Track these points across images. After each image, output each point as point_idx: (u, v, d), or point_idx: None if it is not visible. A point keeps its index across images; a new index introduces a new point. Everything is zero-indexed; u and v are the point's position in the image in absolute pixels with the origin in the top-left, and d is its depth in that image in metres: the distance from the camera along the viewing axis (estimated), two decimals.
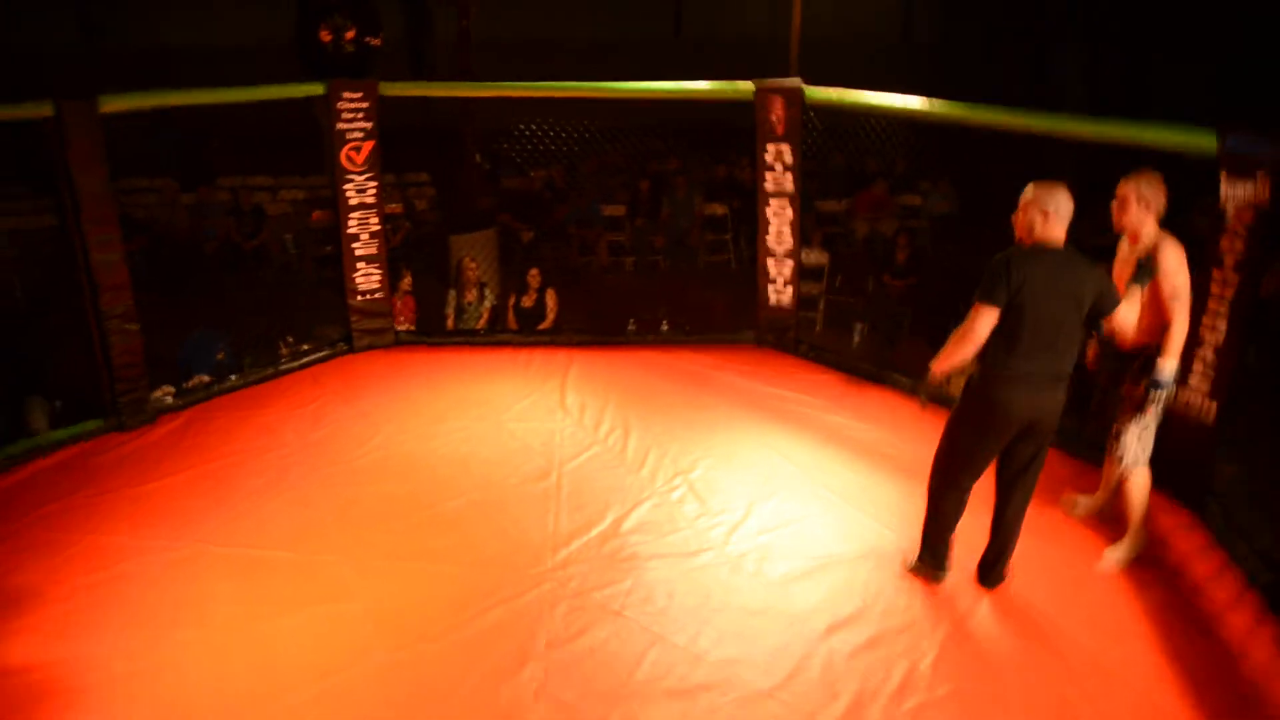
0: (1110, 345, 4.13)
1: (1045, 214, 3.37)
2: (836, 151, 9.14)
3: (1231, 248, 4.19)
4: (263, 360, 5.98)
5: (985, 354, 3.43)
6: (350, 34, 5.92)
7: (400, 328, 6.58)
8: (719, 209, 10.03)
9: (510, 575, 3.84)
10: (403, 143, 7.01)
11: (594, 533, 4.16)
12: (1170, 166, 4.00)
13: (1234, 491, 4.46)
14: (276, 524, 4.20)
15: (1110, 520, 4.32)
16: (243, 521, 4.22)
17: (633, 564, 3.94)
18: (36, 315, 5.29)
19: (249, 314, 6.57)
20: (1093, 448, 4.68)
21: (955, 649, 3.47)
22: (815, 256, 8.08)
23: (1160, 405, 3.88)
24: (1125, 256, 3.95)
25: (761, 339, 6.44)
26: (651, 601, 3.69)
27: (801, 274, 6.43)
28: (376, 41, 6.05)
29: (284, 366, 5.94)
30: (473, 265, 7.22)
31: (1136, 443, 3.92)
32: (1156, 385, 3.75)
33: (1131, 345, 3.94)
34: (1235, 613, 3.73)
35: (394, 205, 8.62)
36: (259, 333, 6.34)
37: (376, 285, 6.24)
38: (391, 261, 6.42)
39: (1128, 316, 3.54)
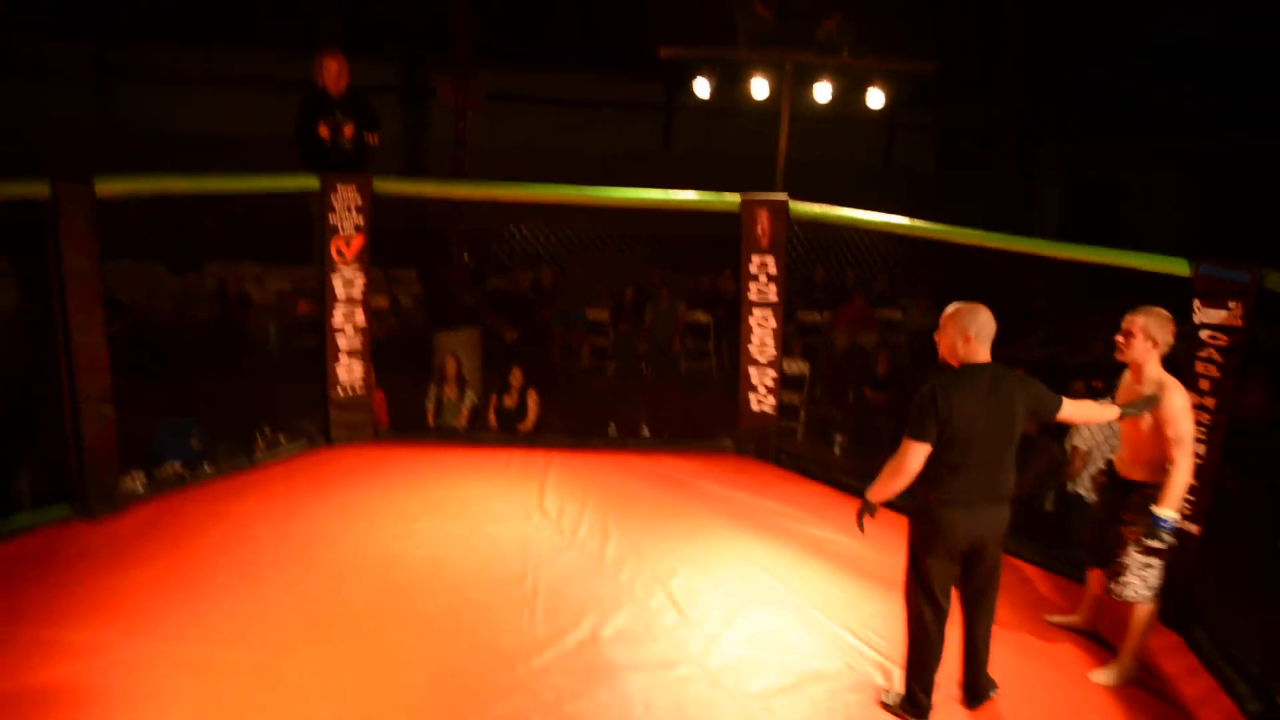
0: (1108, 474, 4.13)
1: (967, 337, 3.42)
2: (818, 265, 9.34)
3: (1206, 371, 4.27)
4: (237, 450, 5.87)
5: (924, 479, 3.44)
6: (349, 130, 6.04)
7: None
8: (702, 317, 10.16)
9: (482, 684, 3.70)
10: (393, 239, 7.08)
11: (569, 641, 4.03)
12: (1147, 291, 4.11)
13: (1219, 615, 4.42)
14: (241, 623, 4.04)
15: (1094, 638, 4.26)
16: (206, 619, 4.05)
17: (609, 675, 3.81)
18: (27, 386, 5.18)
19: (227, 402, 6.49)
20: (1074, 566, 4.65)
21: None
22: (796, 366, 8.15)
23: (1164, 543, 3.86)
24: (1128, 387, 3.98)
25: (742, 447, 6.42)
26: (628, 716, 3.56)
27: (782, 383, 6.46)
28: (374, 139, 6.18)
29: (259, 458, 5.84)
30: (454, 362, 7.21)
31: (1140, 580, 3.87)
32: (1156, 529, 3.71)
33: (1131, 477, 3.94)
34: None
35: (380, 299, 8.66)
36: (235, 422, 6.24)
37: (359, 380, 6.21)
38: (374, 356, 6.39)
39: (1072, 411, 3.61)
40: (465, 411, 7.08)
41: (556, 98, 15.90)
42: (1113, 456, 4.15)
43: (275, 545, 4.77)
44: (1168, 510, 3.69)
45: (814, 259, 6.68)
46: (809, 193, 6.18)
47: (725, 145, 15.16)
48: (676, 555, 4.87)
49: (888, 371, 8.05)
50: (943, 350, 3.52)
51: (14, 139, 11.30)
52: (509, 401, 7.00)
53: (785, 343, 6.53)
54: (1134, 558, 3.84)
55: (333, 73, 6.05)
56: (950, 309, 3.50)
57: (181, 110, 14.07)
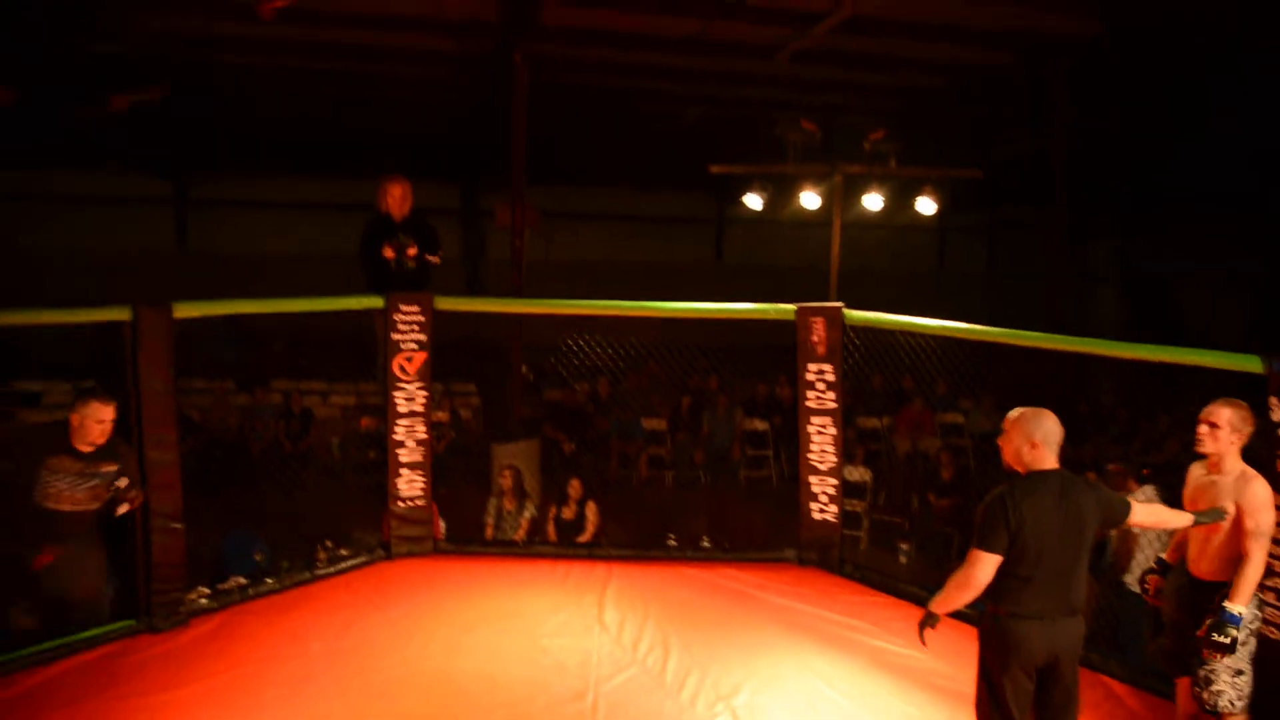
0: (1186, 578, 3.96)
1: (1033, 443, 3.35)
2: (875, 371, 9.31)
3: None
4: (300, 564, 5.92)
5: (993, 592, 3.33)
6: (412, 251, 6.27)
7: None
8: (760, 425, 10.11)
9: None
10: (453, 354, 7.24)
11: None
12: (1216, 387, 4.01)
13: None
14: None
15: None
16: None
17: None
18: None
19: (290, 515, 6.58)
20: (1165, 680, 4.40)
21: None
22: (858, 473, 8.03)
23: (1248, 644, 3.67)
24: (1202, 481, 3.86)
25: (804, 557, 6.28)
26: None
27: (845, 491, 6.35)
28: (435, 259, 6.40)
29: (320, 571, 5.87)
30: (513, 474, 7.25)
31: (1231, 688, 3.67)
32: (1225, 624, 3.57)
33: (1204, 577, 3.79)
34: None
35: (440, 413, 8.81)
36: (298, 535, 6.31)
37: (419, 492, 6.26)
38: (434, 469, 6.46)
39: (1143, 516, 3.53)
40: (524, 523, 7.08)
41: (609, 213, 16.39)
42: (1176, 555, 4.00)
43: (329, 658, 4.75)
44: (1239, 605, 3.56)
45: (871, 365, 6.66)
46: (862, 299, 6.21)
47: (777, 256, 15.37)
48: (740, 670, 4.72)
49: (952, 476, 7.89)
50: (1008, 457, 3.45)
51: (98, 267, 12.02)
52: (567, 513, 6.99)
53: (846, 449, 6.46)
54: (1223, 664, 3.65)
55: (396, 197, 6.33)
56: (1014, 414, 3.44)
57: (253, 237, 14.86)
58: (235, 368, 10.56)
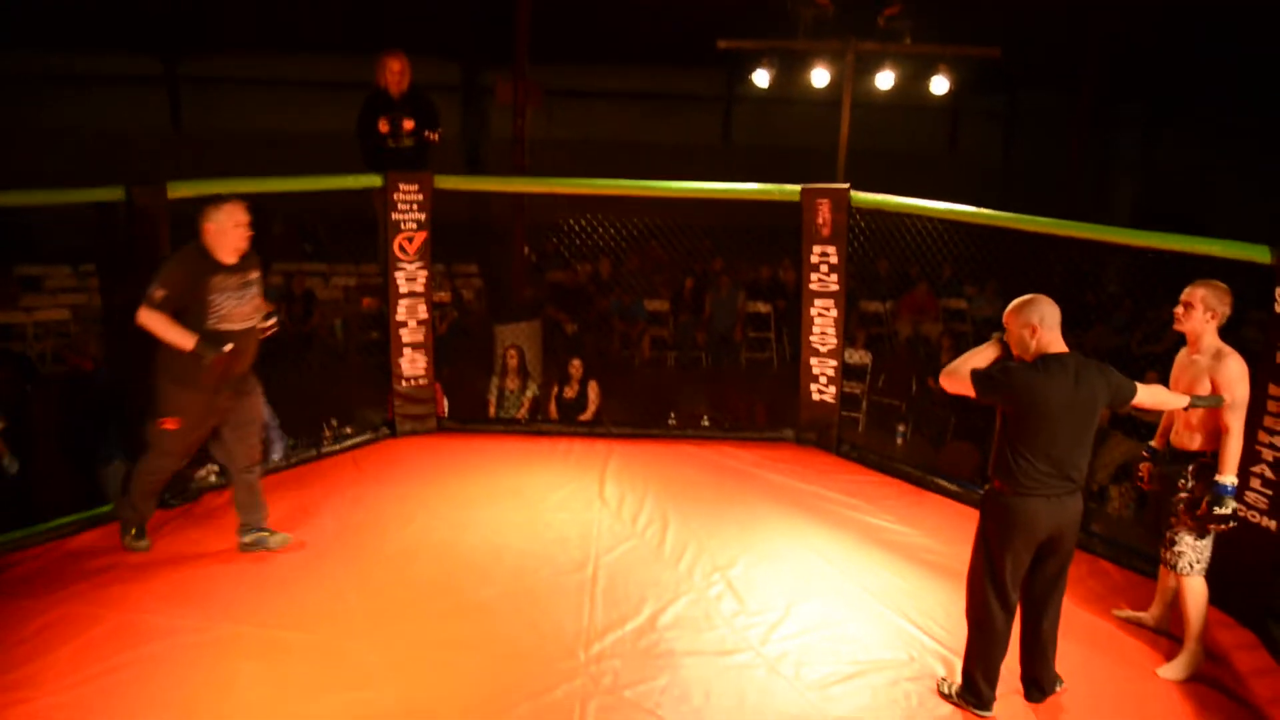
0: (1163, 453, 4.05)
1: (1032, 327, 3.36)
2: (881, 256, 9.24)
3: None
4: (306, 442, 6.03)
5: (1002, 471, 3.39)
6: (409, 126, 6.14)
7: None
8: (762, 307, 10.11)
9: (541, 669, 3.76)
10: (454, 234, 7.19)
11: (629, 627, 4.07)
12: (1226, 277, 3.99)
13: None
14: (307, 607, 4.16)
15: (1165, 634, 4.16)
16: (274, 603, 4.18)
17: (668, 661, 3.83)
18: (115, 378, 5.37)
19: (295, 396, 6.66)
20: (1148, 560, 4.53)
21: None
22: (858, 356, 8.07)
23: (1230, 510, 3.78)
24: (1184, 361, 3.92)
25: (803, 437, 6.39)
26: (687, 701, 3.59)
27: (844, 373, 6.40)
28: (434, 136, 6.27)
29: (327, 449, 5.99)
30: (515, 354, 7.30)
31: (1191, 550, 3.81)
32: (1221, 496, 3.67)
33: (1186, 448, 3.88)
34: None
35: (442, 294, 8.80)
36: (303, 415, 6.40)
37: (422, 372, 6.32)
38: (437, 349, 6.51)
39: (1145, 397, 3.55)
40: (527, 402, 7.17)
41: (614, 91, 15.94)
42: (1163, 440, 4.09)
43: (341, 532, 4.90)
44: (1229, 477, 3.68)
45: (876, 249, 6.60)
46: (872, 182, 6.10)
47: (786, 136, 15.03)
48: (736, 544, 4.87)
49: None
50: (1015, 349, 3.46)
51: (90, 148, 11.80)
52: (569, 392, 7.07)
53: (848, 332, 6.48)
54: (1189, 529, 3.80)
55: (395, 73, 6.17)
56: (1010, 307, 3.45)
57: (250, 114, 14.53)
58: None
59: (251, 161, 6.11)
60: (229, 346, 4.24)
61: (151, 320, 4.16)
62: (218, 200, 4.31)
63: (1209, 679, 3.86)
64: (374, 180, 6.01)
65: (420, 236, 6.16)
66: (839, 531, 5.10)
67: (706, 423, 6.47)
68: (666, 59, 14.88)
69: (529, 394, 7.21)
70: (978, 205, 5.65)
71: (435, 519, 5.08)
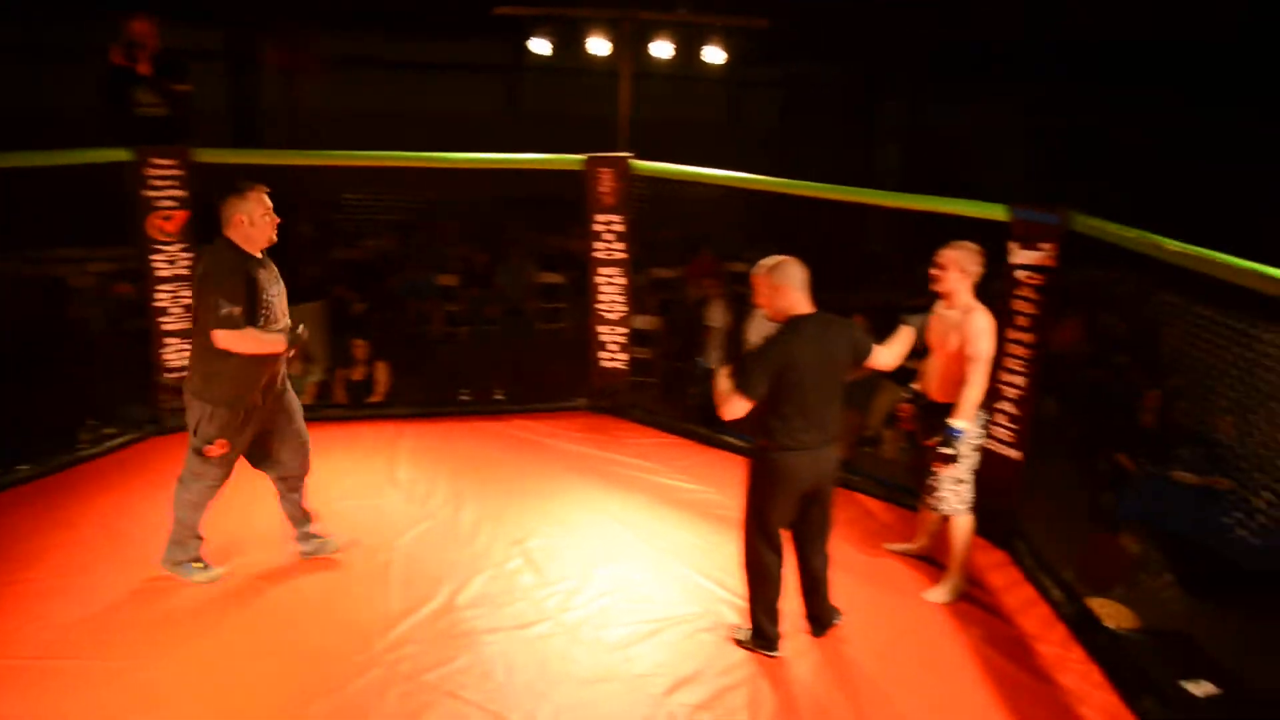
0: (921, 401, 4.38)
1: (777, 288, 3.48)
2: (666, 223, 9.43)
3: (1023, 308, 4.55)
4: (60, 446, 5.48)
5: (764, 430, 3.51)
6: (146, 51, 5.60)
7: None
8: (554, 278, 10.10)
9: (339, 664, 3.62)
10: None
11: (426, 610, 3.99)
12: (977, 238, 4.33)
13: (1039, 531, 4.78)
14: (76, 631, 3.79)
15: (930, 562, 4.54)
16: (36, 630, 3.78)
17: (468, 640, 3.80)
18: None
19: (46, 394, 6.04)
20: (916, 496, 4.91)
21: (795, 698, 3.53)
22: (650, 322, 8.22)
23: (970, 458, 4.11)
24: (939, 315, 4.21)
25: (595, 405, 6.47)
26: (489, 678, 3.57)
27: (634, 339, 6.52)
28: (184, 88, 5.79)
29: (85, 453, 5.48)
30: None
31: (953, 494, 4.14)
32: (950, 437, 3.97)
33: (940, 399, 4.20)
34: (1045, 642, 4.00)
35: None
36: (59, 416, 5.82)
37: (188, 362, 5.88)
38: None
39: (884, 357, 3.76)
40: (310, 387, 6.84)
41: (396, 60, 15.35)
42: (916, 385, 4.40)
43: (109, 543, 4.51)
44: (961, 421, 3.95)
45: (662, 216, 6.74)
46: (656, 151, 6.21)
47: (575, 106, 14.98)
48: (533, 516, 4.88)
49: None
50: (765, 309, 3.57)
51: None
52: (356, 375, 6.81)
53: (639, 299, 6.58)
54: (946, 474, 4.11)
55: (140, 35, 5.65)
56: (756, 269, 3.55)
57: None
58: None
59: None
60: (301, 327, 3.99)
61: (239, 341, 3.77)
62: (239, 189, 3.86)
63: (969, 598, 4.26)
64: (120, 154, 5.51)
65: (180, 215, 5.72)
66: (634, 495, 5.22)
67: (500, 397, 6.42)
68: (451, 26, 14.46)
69: (312, 379, 6.88)
70: (756, 172, 5.88)
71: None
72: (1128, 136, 12.12)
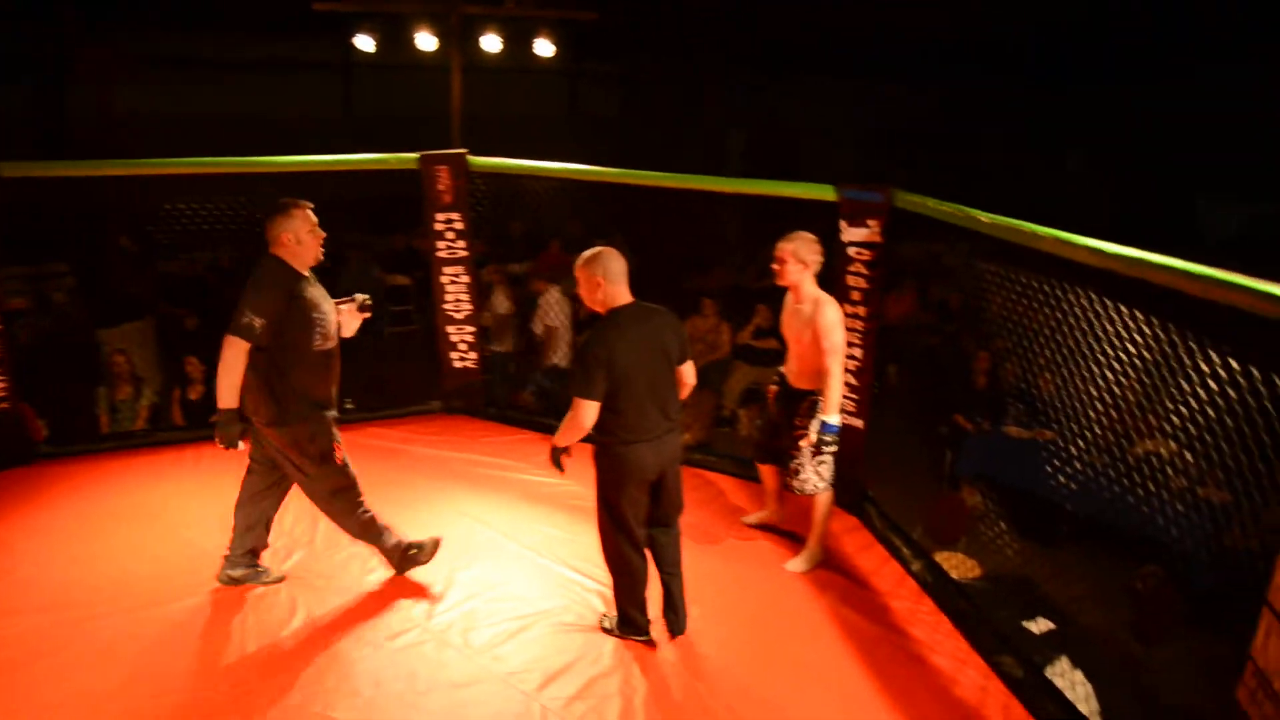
0: (780, 385, 4.49)
1: (596, 282, 3.42)
2: (513, 218, 9.36)
3: (856, 284, 4.76)
4: None
5: (604, 427, 3.46)
6: None
7: None
8: (402, 280, 9.86)
9: (191, 700, 3.43)
10: (35, 229, 6.23)
11: (285, 633, 3.85)
12: (821, 219, 4.47)
13: (887, 494, 5.03)
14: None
15: (784, 534, 4.70)
16: None
17: (332, 659, 3.68)
18: None
19: None
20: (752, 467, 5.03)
21: (666, 677, 3.60)
22: (499, 318, 8.15)
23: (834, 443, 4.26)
24: (790, 309, 4.31)
25: (449, 406, 6.37)
26: (358, 694, 3.47)
27: (487, 337, 6.45)
28: None
29: None
30: (124, 360, 6.53)
31: (815, 476, 4.28)
32: (825, 433, 4.08)
33: (800, 386, 4.30)
34: (897, 598, 4.23)
35: (18, 300, 7.60)
36: None
37: (1, 394, 5.45)
38: (23, 365, 5.63)
39: (689, 373, 3.66)
40: (144, 410, 6.45)
41: (217, 59, 14.58)
42: (783, 369, 4.53)
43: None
44: (832, 415, 4.07)
45: (506, 211, 6.67)
46: (495, 146, 6.13)
47: (411, 104, 14.64)
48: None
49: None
50: (587, 302, 3.51)
51: None
52: (194, 393, 6.46)
53: (490, 294, 6.49)
54: (809, 457, 4.24)
55: None
56: (578, 261, 3.47)
57: None
58: None
59: None
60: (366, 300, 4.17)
61: (238, 356, 3.75)
62: (283, 207, 3.75)
63: (826, 564, 4.45)
64: None
65: None
66: (493, 494, 5.18)
67: (351, 405, 6.22)
68: (279, 25, 13.84)
69: (145, 401, 6.48)
70: (600, 163, 5.88)
71: (45, 559, 4.43)
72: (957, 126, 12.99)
